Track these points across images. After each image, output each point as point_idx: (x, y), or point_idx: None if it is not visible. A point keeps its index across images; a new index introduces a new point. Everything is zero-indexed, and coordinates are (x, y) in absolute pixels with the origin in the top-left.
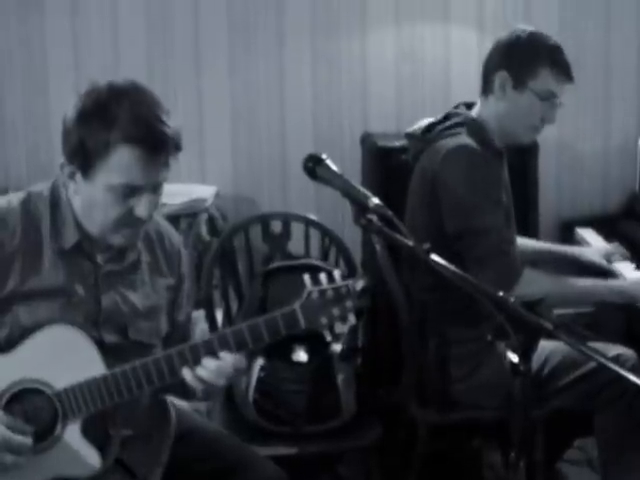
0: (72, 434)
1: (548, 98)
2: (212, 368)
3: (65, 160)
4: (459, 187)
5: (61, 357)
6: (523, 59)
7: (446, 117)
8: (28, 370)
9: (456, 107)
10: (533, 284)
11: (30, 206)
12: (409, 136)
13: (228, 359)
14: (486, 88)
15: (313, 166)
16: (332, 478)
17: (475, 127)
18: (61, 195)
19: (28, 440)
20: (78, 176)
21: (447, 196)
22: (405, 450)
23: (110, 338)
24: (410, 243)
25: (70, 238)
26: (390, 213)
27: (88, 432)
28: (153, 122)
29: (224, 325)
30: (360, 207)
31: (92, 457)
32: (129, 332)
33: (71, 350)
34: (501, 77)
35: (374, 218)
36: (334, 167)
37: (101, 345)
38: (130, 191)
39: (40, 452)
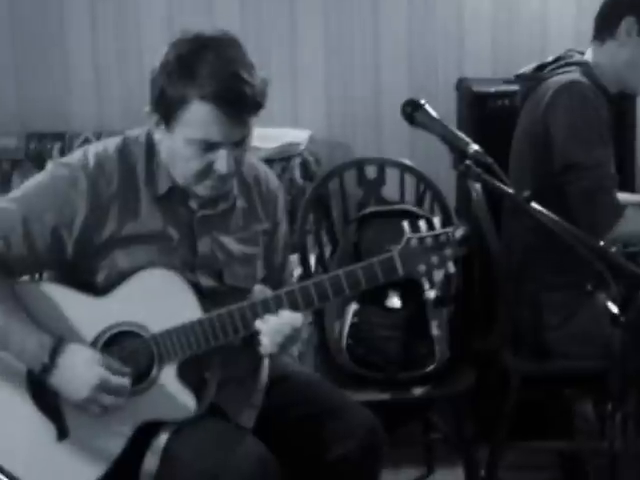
0: (168, 377)
1: None
2: (270, 323)
3: (151, 109)
4: (571, 119)
5: (158, 300)
6: None
7: (557, 59)
8: (125, 313)
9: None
10: (635, 221)
11: (126, 152)
12: (518, 77)
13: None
14: (604, 33)
15: (412, 111)
16: (423, 425)
17: (589, 69)
18: (155, 141)
19: (126, 382)
20: (162, 126)
21: (558, 129)
22: (497, 398)
23: (206, 282)
24: (510, 190)
25: (164, 184)
26: (490, 160)
27: (184, 375)
28: (232, 80)
29: (317, 270)
30: (459, 153)
31: (188, 400)
32: (225, 277)
33: (168, 294)
34: (628, 22)
35: (473, 165)
36: (433, 112)
37: (198, 289)
38: (208, 146)
39: (137, 395)
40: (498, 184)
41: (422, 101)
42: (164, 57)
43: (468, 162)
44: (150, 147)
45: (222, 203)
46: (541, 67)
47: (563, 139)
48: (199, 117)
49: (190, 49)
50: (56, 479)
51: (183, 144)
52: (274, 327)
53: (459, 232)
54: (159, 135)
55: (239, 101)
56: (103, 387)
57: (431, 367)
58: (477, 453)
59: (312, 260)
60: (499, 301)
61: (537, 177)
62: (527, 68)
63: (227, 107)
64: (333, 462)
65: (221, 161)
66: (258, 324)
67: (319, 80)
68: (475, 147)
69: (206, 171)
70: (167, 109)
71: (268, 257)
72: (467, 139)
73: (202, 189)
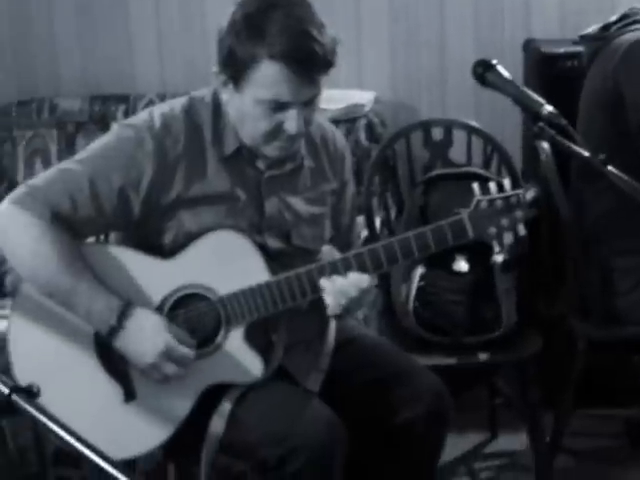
0: (235, 340)
1: None
2: (336, 284)
3: (218, 69)
4: None
5: (225, 263)
6: None
7: (622, 17)
8: (192, 275)
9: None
10: None
11: (193, 112)
12: (583, 38)
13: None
14: None
15: (483, 72)
16: (487, 389)
17: None
18: (222, 101)
19: (191, 352)
20: (230, 86)
21: (631, 89)
22: (564, 364)
23: (274, 244)
24: (586, 153)
25: (232, 144)
26: (564, 121)
27: (251, 338)
28: (302, 39)
29: (382, 232)
30: (533, 115)
31: (255, 363)
32: (292, 238)
33: (235, 256)
34: None
35: (547, 126)
36: (505, 73)
37: (265, 251)
38: (278, 106)
39: (203, 357)
40: (573, 146)
41: (494, 61)
42: (231, 17)
43: (541, 124)
44: (216, 107)
45: (290, 163)
46: (606, 27)
47: (637, 99)
48: (269, 77)
49: (258, 8)
50: (123, 441)
51: (252, 104)
52: (339, 288)
53: (530, 194)
54: (226, 95)
55: (309, 59)
56: (168, 354)
57: (498, 332)
58: (542, 419)
59: (377, 222)
60: (567, 265)
61: (608, 139)
62: (592, 28)
63: (297, 66)
64: (400, 426)
65: (291, 121)
66: (323, 283)
67: (384, 41)
68: (549, 108)
69: (275, 132)
70: (236, 69)
71: (336, 218)
72: (541, 100)
73: (270, 150)
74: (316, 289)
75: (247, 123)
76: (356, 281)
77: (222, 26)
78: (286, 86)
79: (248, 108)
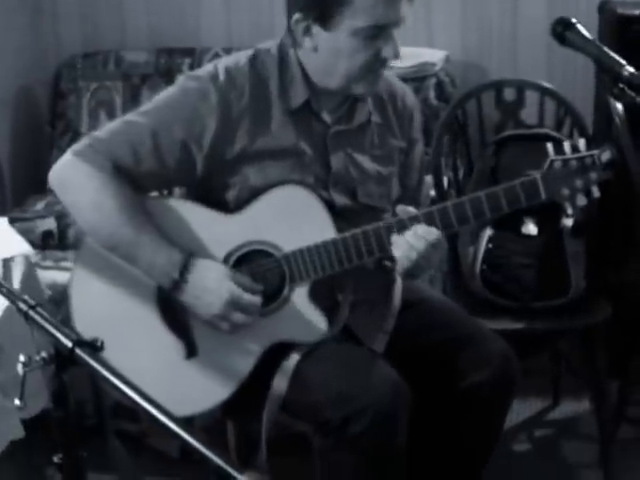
0: (299, 298)
1: None
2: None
3: (301, 15)
4: None
5: (291, 219)
6: None
7: None
8: (257, 231)
9: None
10: None
11: (258, 64)
12: None
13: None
14: None
15: (562, 30)
16: (553, 354)
17: None
18: (289, 53)
19: (258, 299)
20: (316, 29)
21: None
22: (631, 333)
23: (340, 200)
24: None
25: (299, 96)
26: None
27: (316, 297)
28: None
29: (449, 193)
30: (613, 76)
31: (319, 322)
32: (358, 195)
33: (301, 212)
34: None
35: (627, 88)
36: (585, 32)
37: (331, 207)
38: (376, 32)
39: (267, 315)
40: None
41: (573, 20)
42: None
43: (622, 85)
44: (282, 59)
45: (358, 115)
46: None
47: None
48: (366, 2)
49: None
50: (186, 397)
51: (348, 37)
52: (409, 241)
53: (605, 155)
54: (310, 43)
55: None
56: (234, 303)
57: (566, 297)
58: (607, 388)
59: (445, 183)
60: (638, 231)
61: None
62: None
63: None
64: (466, 390)
65: (388, 46)
66: (394, 238)
67: (456, 0)
68: (630, 69)
69: (373, 62)
70: (325, 7)
71: (403, 176)
72: (622, 61)
73: (361, 87)
74: (383, 247)
75: (342, 60)
76: (424, 233)
77: None
78: (382, 8)
79: (343, 43)
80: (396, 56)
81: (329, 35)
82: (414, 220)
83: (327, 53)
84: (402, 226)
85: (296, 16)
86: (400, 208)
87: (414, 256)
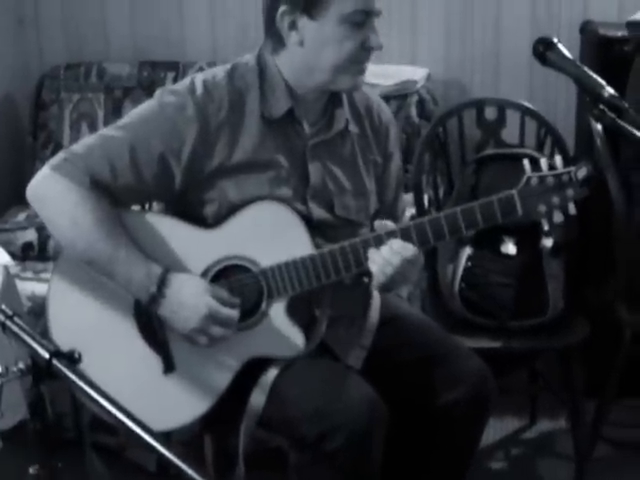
0: (277, 313)
1: None
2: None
3: (286, 8)
4: None
5: (268, 234)
6: None
7: None
8: (235, 247)
9: None
10: None
11: (236, 77)
12: (630, 25)
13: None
14: None
15: (544, 50)
16: (530, 373)
17: None
18: (268, 63)
19: (235, 313)
20: (302, 21)
21: None
22: (608, 352)
23: (318, 213)
24: None
25: (281, 105)
26: (626, 105)
27: (293, 312)
28: None
29: (430, 211)
30: (593, 96)
31: (297, 337)
32: (335, 207)
33: (279, 228)
34: None
35: (607, 109)
36: (566, 52)
37: (309, 221)
38: (362, 18)
39: (245, 330)
40: (633, 131)
41: (555, 39)
42: None
43: (602, 106)
44: (262, 70)
45: (336, 123)
46: None
47: None
48: None
49: None
50: (163, 412)
51: (336, 25)
52: (384, 256)
53: (582, 172)
54: (296, 37)
55: None
56: (212, 317)
57: (544, 317)
58: (584, 407)
59: (426, 201)
60: (617, 252)
61: None
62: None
63: None
64: (442, 408)
65: (374, 35)
66: (370, 252)
67: (439, 18)
68: (611, 90)
69: (357, 52)
70: None
71: (380, 191)
72: (602, 82)
73: (346, 80)
74: (360, 263)
75: (328, 50)
76: (400, 248)
77: None
78: None
79: (331, 32)
80: (380, 46)
81: (316, 25)
82: (391, 235)
83: (314, 45)
84: (379, 242)
85: (282, 9)
86: (378, 223)
87: (390, 271)
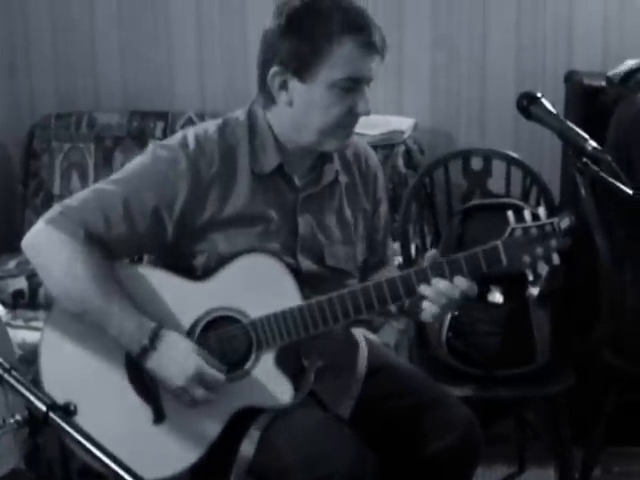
0: (266, 364)
1: None
2: (439, 287)
3: (278, 69)
4: None
5: (257, 286)
6: None
7: None
8: (224, 298)
9: None
10: None
11: (227, 132)
12: (609, 80)
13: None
14: None
15: (527, 104)
16: (518, 422)
17: None
18: (258, 119)
19: (221, 377)
20: (293, 83)
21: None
22: (596, 399)
23: (307, 266)
24: (630, 191)
25: (271, 161)
26: (608, 158)
27: (282, 363)
28: (360, 12)
29: (417, 260)
30: (576, 150)
31: (285, 388)
32: (325, 257)
33: (268, 279)
34: None
35: (590, 162)
36: (550, 106)
37: (297, 273)
38: (351, 85)
39: (234, 380)
40: (616, 184)
41: (538, 94)
42: (286, 11)
43: (585, 160)
44: (252, 126)
45: (326, 176)
46: (630, 74)
47: None
48: (345, 53)
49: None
50: (154, 461)
51: (325, 89)
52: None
53: (564, 222)
54: (285, 98)
55: (373, 30)
56: (198, 378)
57: (531, 366)
58: (572, 454)
59: (413, 250)
60: (602, 300)
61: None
62: (618, 70)
63: (365, 37)
64: (430, 456)
65: (362, 102)
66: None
67: (425, 69)
68: (593, 144)
69: (344, 117)
70: (303, 60)
71: (369, 236)
72: (585, 135)
73: (333, 143)
74: (348, 314)
75: (316, 114)
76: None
77: (272, 27)
78: (361, 59)
79: (319, 96)
80: (368, 112)
81: (306, 88)
82: (378, 287)
83: (302, 107)
84: (365, 293)
85: (273, 69)
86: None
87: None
